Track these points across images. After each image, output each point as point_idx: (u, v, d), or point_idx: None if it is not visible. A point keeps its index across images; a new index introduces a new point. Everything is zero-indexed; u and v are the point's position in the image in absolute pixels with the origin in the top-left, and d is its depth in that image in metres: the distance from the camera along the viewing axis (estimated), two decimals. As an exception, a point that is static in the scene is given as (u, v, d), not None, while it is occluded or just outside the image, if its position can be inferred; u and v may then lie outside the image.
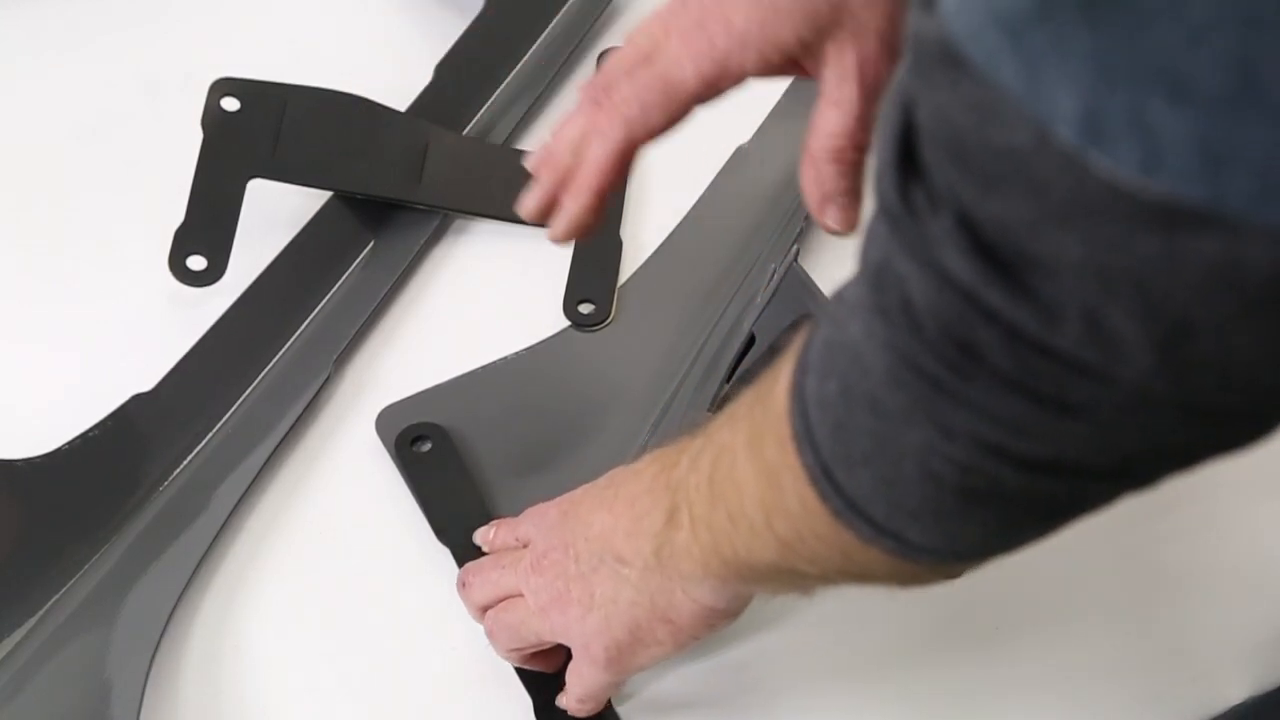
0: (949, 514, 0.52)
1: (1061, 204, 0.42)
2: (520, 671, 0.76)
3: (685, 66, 0.65)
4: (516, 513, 0.81)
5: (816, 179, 0.67)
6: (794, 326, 0.77)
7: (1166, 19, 0.38)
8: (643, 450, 0.83)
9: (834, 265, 0.86)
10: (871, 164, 0.49)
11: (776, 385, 0.57)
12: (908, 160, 0.46)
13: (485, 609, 0.74)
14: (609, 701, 0.75)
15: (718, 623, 0.68)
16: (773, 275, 0.84)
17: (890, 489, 0.52)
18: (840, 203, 0.67)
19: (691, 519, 0.64)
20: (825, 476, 0.54)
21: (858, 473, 0.53)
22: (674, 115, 0.66)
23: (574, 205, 0.69)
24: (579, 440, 0.84)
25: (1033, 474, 0.49)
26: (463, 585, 0.75)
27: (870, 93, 0.66)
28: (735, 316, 0.87)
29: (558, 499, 0.74)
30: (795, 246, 0.81)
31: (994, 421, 0.47)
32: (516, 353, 0.87)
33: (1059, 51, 0.40)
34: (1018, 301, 0.44)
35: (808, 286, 0.78)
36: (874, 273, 0.49)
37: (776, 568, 0.61)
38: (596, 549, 0.68)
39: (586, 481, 0.81)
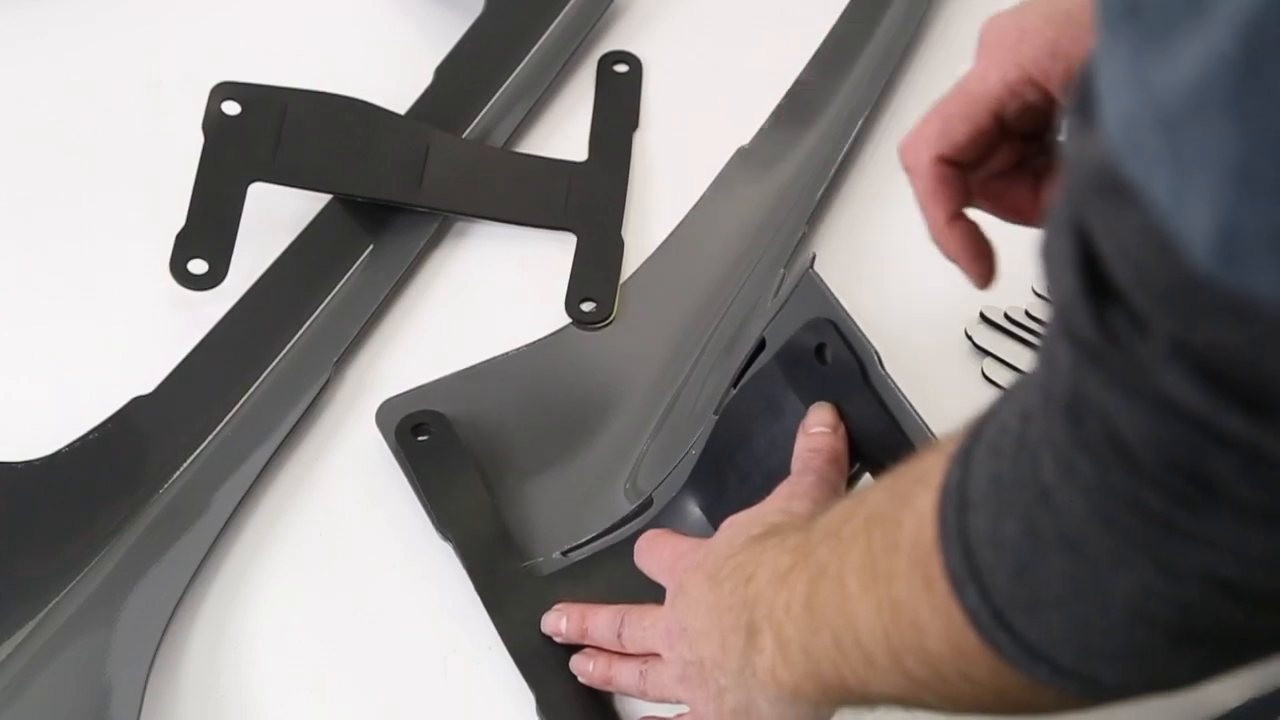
0: (1157, 655, 0.48)
1: (1269, 325, 0.38)
2: (522, 668, 0.76)
3: (989, 76, 0.67)
4: (516, 506, 0.80)
5: None
6: (805, 330, 0.77)
7: None
8: (645, 451, 0.83)
9: (849, 272, 0.85)
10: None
11: (903, 512, 0.54)
12: (1097, 286, 0.42)
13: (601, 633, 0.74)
14: (610, 702, 0.76)
15: None
16: (782, 280, 0.84)
17: (1086, 632, 0.49)
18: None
19: (778, 642, 0.61)
20: (996, 621, 0.50)
21: (1045, 616, 0.49)
22: (978, 124, 0.68)
23: (944, 250, 0.71)
24: (580, 437, 0.84)
25: (1266, 609, 0.45)
26: (619, 637, 0.73)
27: None
28: (739, 317, 0.87)
29: (678, 548, 0.72)
30: (813, 253, 0.80)
31: (1232, 556, 0.44)
32: (518, 348, 0.87)
33: (1205, 155, 0.36)
34: (1258, 422, 0.40)
35: (824, 294, 0.78)
36: (1065, 407, 0.45)
37: (897, 700, 0.58)
38: (698, 649, 0.67)
39: (587, 480, 0.82)
